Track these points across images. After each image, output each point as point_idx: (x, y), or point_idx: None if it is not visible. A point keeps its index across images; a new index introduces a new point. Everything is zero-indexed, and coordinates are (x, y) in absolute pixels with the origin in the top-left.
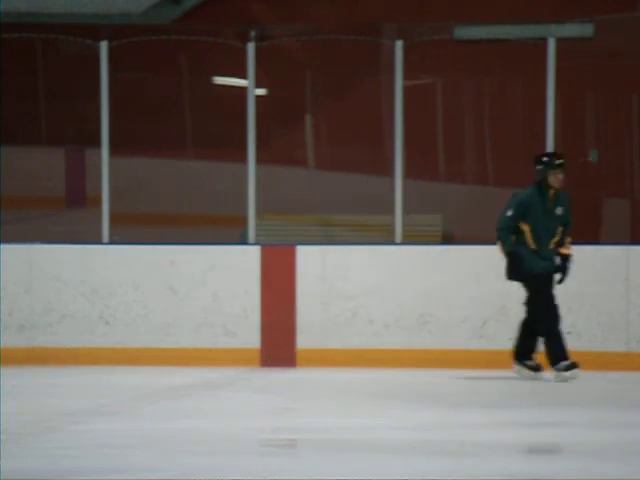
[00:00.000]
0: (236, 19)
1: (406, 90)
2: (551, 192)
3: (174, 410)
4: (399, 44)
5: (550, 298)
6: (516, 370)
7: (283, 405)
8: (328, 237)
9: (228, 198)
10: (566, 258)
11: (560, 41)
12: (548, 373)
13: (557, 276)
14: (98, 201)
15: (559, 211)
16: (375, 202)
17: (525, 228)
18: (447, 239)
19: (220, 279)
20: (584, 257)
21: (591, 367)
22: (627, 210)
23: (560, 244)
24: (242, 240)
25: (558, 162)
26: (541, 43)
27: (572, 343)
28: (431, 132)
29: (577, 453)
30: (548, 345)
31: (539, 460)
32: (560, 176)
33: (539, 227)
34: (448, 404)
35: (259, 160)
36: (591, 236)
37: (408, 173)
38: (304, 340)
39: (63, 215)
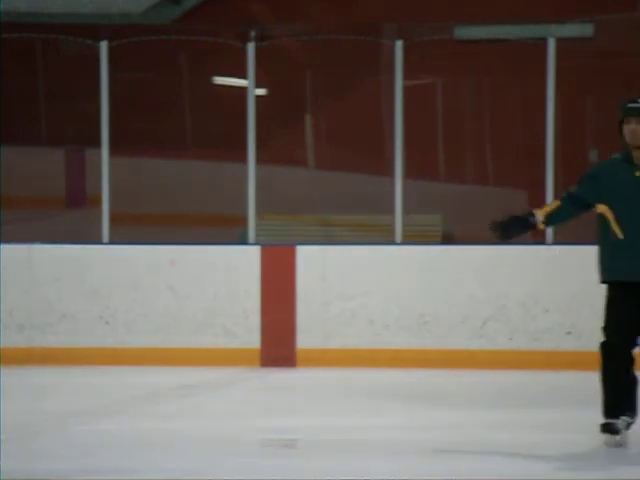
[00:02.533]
0: (236, 19)
1: (406, 90)
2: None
3: (174, 410)
4: (399, 44)
5: (609, 322)
6: None
7: (283, 405)
8: (328, 237)
9: (228, 198)
10: None
11: (560, 41)
12: None
13: None
14: (98, 201)
15: None
16: (375, 202)
17: (605, 212)
18: (447, 239)
19: (220, 279)
20: (584, 257)
21: (591, 367)
22: None
23: None
24: (242, 240)
25: (632, 106)
26: (541, 43)
27: (572, 343)
28: (431, 132)
29: (577, 453)
30: None
31: (539, 460)
32: (633, 127)
33: (623, 210)
34: (448, 404)
35: (259, 160)
36: (590, 236)
37: (408, 173)
38: (304, 340)
39: (63, 215)
